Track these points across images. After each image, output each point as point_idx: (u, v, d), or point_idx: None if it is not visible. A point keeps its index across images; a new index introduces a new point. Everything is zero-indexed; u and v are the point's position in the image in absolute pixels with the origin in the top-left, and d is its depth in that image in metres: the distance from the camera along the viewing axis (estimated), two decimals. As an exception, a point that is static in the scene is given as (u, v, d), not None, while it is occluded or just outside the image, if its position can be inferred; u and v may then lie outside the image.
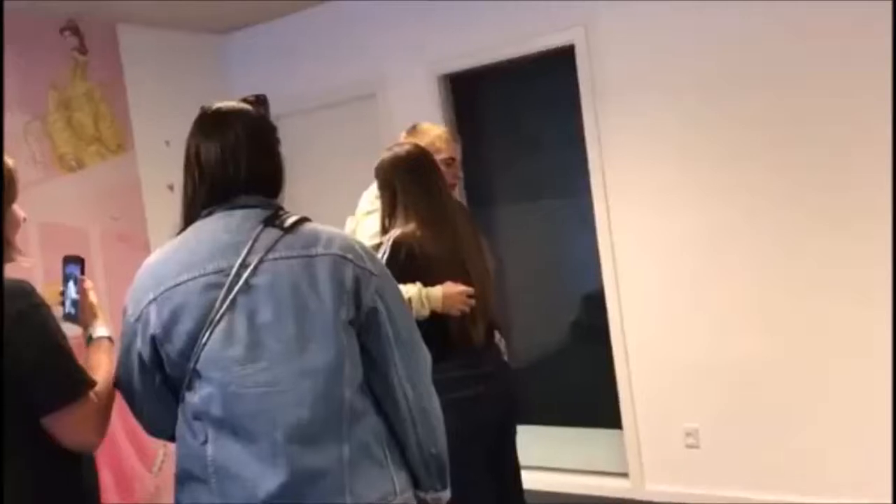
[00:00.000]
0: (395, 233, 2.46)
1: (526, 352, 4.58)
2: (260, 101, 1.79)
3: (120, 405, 1.66)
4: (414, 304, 2.39)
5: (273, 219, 1.62)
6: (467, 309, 2.47)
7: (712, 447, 3.70)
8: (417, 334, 1.72)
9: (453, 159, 2.80)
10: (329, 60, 4.55)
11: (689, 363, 3.72)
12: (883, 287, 3.25)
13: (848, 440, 3.37)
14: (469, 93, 4.37)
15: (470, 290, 2.47)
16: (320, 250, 1.60)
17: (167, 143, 4.48)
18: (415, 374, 1.69)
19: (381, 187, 2.57)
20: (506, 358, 2.71)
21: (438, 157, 2.68)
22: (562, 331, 4.88)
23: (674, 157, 3.67)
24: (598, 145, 3.82)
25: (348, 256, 1.62)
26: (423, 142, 2.70)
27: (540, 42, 3.90)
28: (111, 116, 4.27)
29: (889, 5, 3.11)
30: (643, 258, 3.80)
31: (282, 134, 5.35)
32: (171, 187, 4.48)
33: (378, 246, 2.49)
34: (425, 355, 1.74)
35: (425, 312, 2.41)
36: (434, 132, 2.82)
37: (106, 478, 4.00)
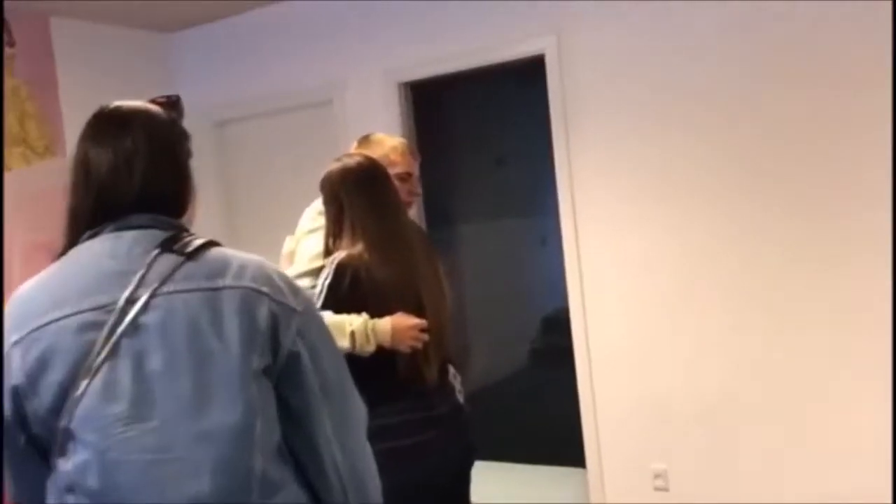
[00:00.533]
0: (339, 255, 2.18)
1: (483, 378, 4.35)
2: (171, 103, 1.49)
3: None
4: (358, 338, 2.11)
5: (172, 242, 1.31)
6: (419, 345, 2.18)
7: (682, 491, 3.44)
8: (349, 382, 1.41)
9: (409, 174, 2.51)
10: (283, 63, 4.25)
11: (659, 398, 3.47)
12: (864, 317, 3.05)
13: (828, 485, 3.13)
14: (431, 103, 4.11)
15: (423, 322, 2.19)
16: (228, 282, 1.29)
17: (102, 146, 4.14)
18: (346, 431, 1.38)
19: (327, 202, 2.28)
20: (461, 398, 2.42)
21: (393, 172, 2.39)
22: (523, 357, 4.68)
23: (648, 176, 3.43)
24: (567, 161, 3.56)
25: (263, 290, 1.31)
26: (376, 154, 2.41)
27: (508, 51, 3.64)
28: (39, 116, 3.91)
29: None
30: (612, 282, 3.55)
31: (230, 140, 5.01)
32: (105, 195, 4.14)
33: (320, 269, 2.20)
34: (359, 407, 1.44)
35: (370, 348, 2.13)
36: (389, 143, 2.53)
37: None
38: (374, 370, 2.14)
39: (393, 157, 2.47)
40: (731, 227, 3.28)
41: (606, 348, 3.59)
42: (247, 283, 1.30)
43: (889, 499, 2.95)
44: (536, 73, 3.61)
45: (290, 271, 2.26)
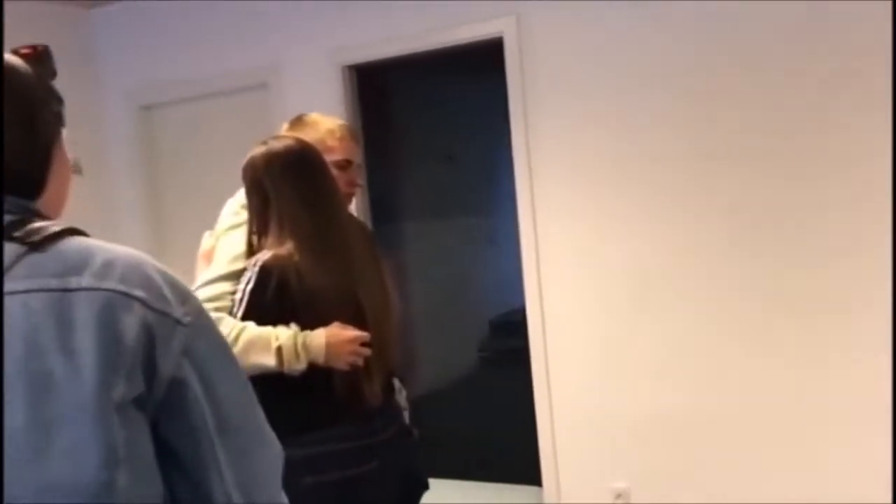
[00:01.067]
0: (264, 255, 1.84)
1: (429, 387, 4.07)
2: (37, 55, 1.14)
3: None
4: (286, 355, 1.79)
5: (16, 227, 0.97)
6: (360, 361, 1.87)
7: (645, 511, 3.20)
8: (257, 417, 1.08)
9: (349, 162, 2.16)
10: (214, 42, 3.89)
11: (623, 409, 3.23)
12: (843, 319, 2.87)
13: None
14: (378, 88, 3.80)
15: (363, 335, 1.88)
16: (86, 281, 0.93)
17: None
18: (252, 481, 1.03)
19: (249, 193, 1.94)
20: (407, 417, 2.12)
21: (330, 159, 2.05)
22: (472, 363, 4.43)
23: (613, 170, 3.18)
24: (526, 153, 3.29)
25: (135, 294, 0.94)
26: (310, 137, 2.06)
27: (463, 32, 3.35)
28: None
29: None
30: (572, 283, 3.30)
31: (157, 126, 4.51)
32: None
33: (241, 272, 1.86)
34: (271, 450, 1.10)
35: (301, 366, 1.81)
36: (325, 125, 2.16)
37: None
38: (304, 389, 1.85)
39: (330, 141, 2.11)
40: (701, 225, 3.06)
41: (565, 354, 3.33)
42: (112, 283, 0.93)
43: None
44: (493, 57, 3.33)
45: (206, 274, 1.91)
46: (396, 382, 2.11)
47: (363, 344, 1.87)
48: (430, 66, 3.66)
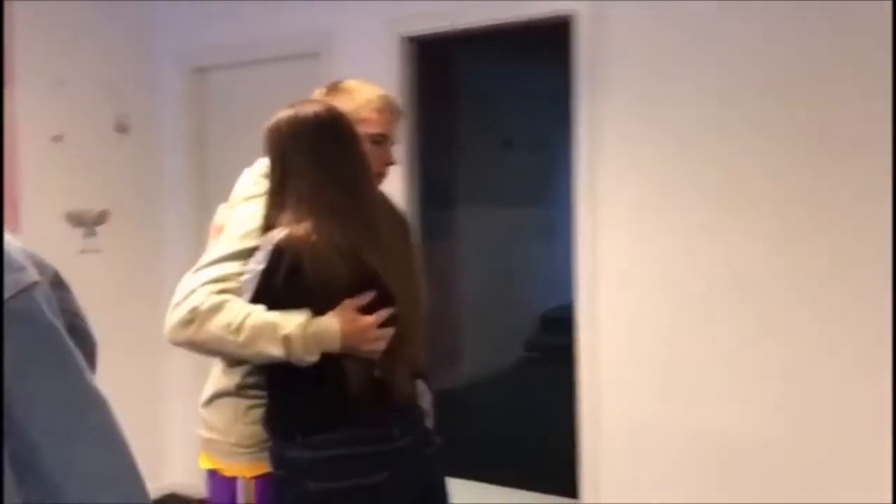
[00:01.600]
0: (279, 233, 1.64)
1: (469, 382, 3.89)
2: None
3: None
4: (293, 346, 1.60)
5: None
6: (379, 347, 1.68)
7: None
8: (106, 458, 0.82)
9: (385, 136, 1.91)
10: (270, 7, 3.72)
11: (675, 425, 2.99)
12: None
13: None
14: (436, 63, 3.58)
15: (382, 314, 1.68)
16: None
17: (59, 83, 3.64)
18: None
19: (271, 161, 1.74)
20: (430, 423, 1.91)
21: (365, 131, 1.83)
22: (517, 359, 4.25)
23: (686, 166, 2.93)
24: (589, 143, 3.05)
25: None
26: (345, 105, 1.83)
27: (531, 8, 3.12)
28: (-14, 42, 3.39)
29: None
30: (632, 283, 3.06)
31: (205, 90, 4.36)
32: (57, 139, 3.64)
33: (253, 250, 1.66)
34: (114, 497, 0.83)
35: (312, 357, 1.62)
36: (364, 94, 1.91)
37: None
38: (315, 384, 1.67)
39: (366, 112, 1.87)
40: (779, 230, 2.79)
41: (618, 360, 3.10)
42: None
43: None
44: (561, 38, 3.10)
45: (214, 251, 1.72)
46: (421, 384, 1.91)
47: (385, 324, 1.68)
48: (493, 43, 3.45)
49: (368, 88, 1.94)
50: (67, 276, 4.08)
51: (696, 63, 2.88)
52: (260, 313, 1.61)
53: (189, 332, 1.62)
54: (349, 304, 1.65)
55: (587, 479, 3.13)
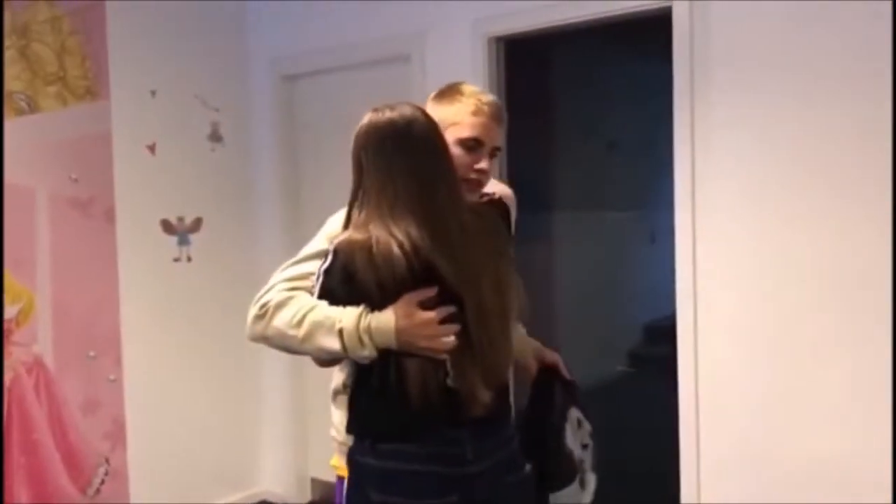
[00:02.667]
0: (343, 235, 1.62)
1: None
2: None
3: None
4: (347, 340, 1.56)
5: None
6: (440, 346, 1.58)
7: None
8: None
9: (478, 142, 1.81)
10: (359, 12, 3.66)
11: (785, 450, 2.74)
12: None
13: None
14: (528, 63, 3.43)
15: (445, 311, 1.59)
16: None
17: (153, 93, 3.67)
18: None
19: (352, 164, 1.71)
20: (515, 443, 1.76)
21: (456, 136, 1.77)
22: (616, 371, 4.06)
23: (789, 175, 2.69)
24: (690, 145, 2.85)
25: None
26: (447, 109, 1.80)
27: (626, 3, 2.93)
28: (82, 54, 3.44)
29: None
30: (734, 293, 2.84)
31: (295, 98, 4.34)
32: (151, 148, 3.68)
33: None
34: None
35: (366, 352, 1.57)
36: (463, 98, 1.84)
37: (21, 496, 3.22)
38: (386, 388, 1.59)
39: (461, 116, 1.81)
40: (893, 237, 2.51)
41: (719, 374, 2.88)
42: None
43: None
44: (661, 33, 2.90)
45: (301, 252, 1.75)
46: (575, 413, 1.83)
47: (446, 320, 1.58)
48: (588, 40, 3.27)
49: (471, 93, 1.86)
50: (162, 283, 4.16)
51: (804, 65, 2.62)
52: (322, 308, 1.60)
53: (259, 328, 1.64)
54: (409, 298, 1.57)
55: (688, 496, 2.92)
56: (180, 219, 3.79)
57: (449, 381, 1.59)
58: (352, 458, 1.66)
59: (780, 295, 2.73)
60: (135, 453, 3.61)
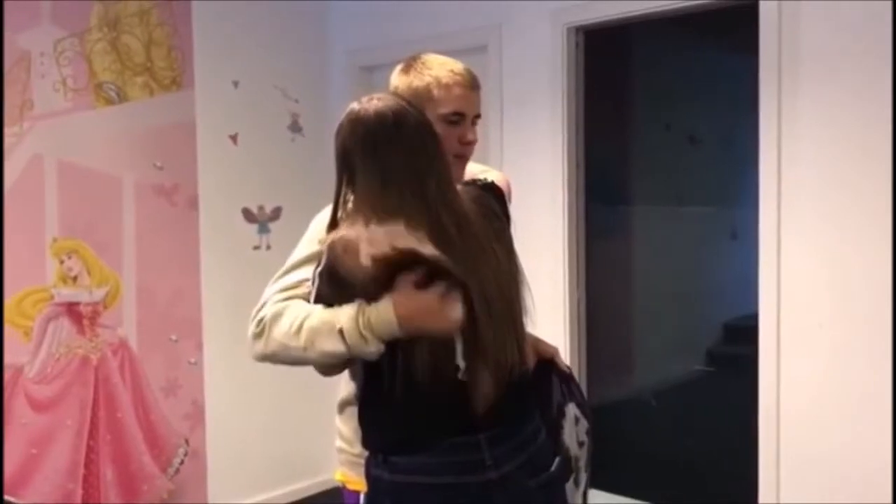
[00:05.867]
0: (333, 235, 1.52)
1: (637, 392, 3.68)
2: None
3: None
4: (349, 339, 1.46)
5: None
6: (453, 320, 1.48)
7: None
8: None
9: (460, 115, 1.72)
10: (433, 2, 3.66)
11: (862, 455, 2.65)
12: None
13: None
14: (608, 54, 3.38)
15: (442, 286, 1.48)
16: None
17: (235, 84, 3.75)
18: None
19: (335, 158, 1.59)
20: (572, 444, 1.67)
21: (436, 113, 1.68)
22: (693, 370, 3.98)
23: (880, 174, 2.57)
24: (776, 140, 2.76)
25: None
26: (415, 86, 1.71)
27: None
28: (169, 45, 3.54)
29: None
30: (820, 293, 2.75)
31: (371, 89, 4.38)
32: (233, 138, 3.75)
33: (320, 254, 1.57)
34: None
35: (372, 348, 1.47)
36: (433, 72, 1.73)
37: (107, 473, 3.33)
38: (386, 395, 1.51)
39: (436, 91, 1.70)
40: None
41: (803, 377, 2.79)
42: None
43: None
44: (746, 23, 2.81)
45: (291, 257, 1.66)
46: (573, 410, 1.68)
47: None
48: (668, 31, 3.20)
49: (440, 65, 1.74)
50: (242, 270, 4.22)
51: (890, 49, 2.52)
52: (318, 313, 1.50)
53: (260, 346, 1.55)
54: (404, 281, 1.47)
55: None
56: (261, 208, 3.86)
57: (460, 376, 1.50)
58: (367, 472, 1.58)
59: (868, 296, 2.63)
60: (213, 435, 3.70)
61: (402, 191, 1.50)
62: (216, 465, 3.71)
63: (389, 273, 1.46)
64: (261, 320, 1.55)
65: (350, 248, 1.46)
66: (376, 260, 1.45)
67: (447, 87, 1.71)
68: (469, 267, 1.50)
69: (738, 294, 3.35)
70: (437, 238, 1.48)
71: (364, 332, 1.45)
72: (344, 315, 1.47)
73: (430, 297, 1.47)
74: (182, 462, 3.61)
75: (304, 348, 1.49)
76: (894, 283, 2.56)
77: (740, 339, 3.45)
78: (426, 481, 1.48)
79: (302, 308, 1.52)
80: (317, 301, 1.52)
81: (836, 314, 2.70)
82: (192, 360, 3.63)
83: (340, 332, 1.46)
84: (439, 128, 1.64)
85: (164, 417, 3.55)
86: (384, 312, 1.45)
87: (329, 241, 1.50)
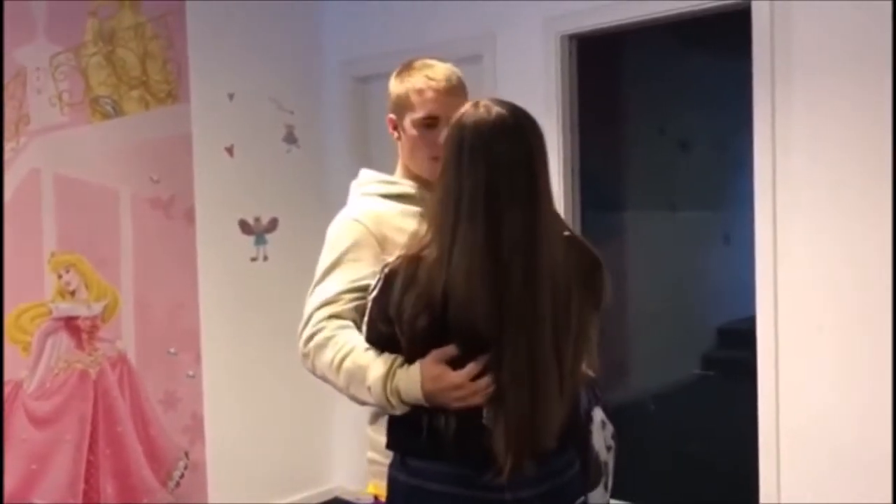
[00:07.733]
0: (398, 257, 1.48)
1: (632, 401, 3.69)
2: None
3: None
4: (375, 399, 1.48)
5: None
6: (474, 402, 1.42)
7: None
8: None
9: (435, 119, 1.71)
10: (429, 13, 3.69)
11: (864, 455, 2.66)
12: None
13: None
14: (600, 62, 3.41)
15: (474, 368, 1.41)
16: None
17: (230, 96, 3.76)
18: None
19: (444, 161, 1.49)
20: (604, 475, 1.64)
21: (412, 117, 1.72)
22: (689, 376, 3.99)
23: (875, 177, 2.61)
24: (770, 143, 2.79)
25: None
26: (397, 91, 1.76)
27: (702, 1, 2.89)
28: (164, 58, 3.55)
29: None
30: (818, 296, 2.77)
31: (368, 100, 4.39)
32: (229, 150, 3.77)
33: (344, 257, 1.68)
34: None
35: (396, 411, 1.49)
36: (411, 80, 1.74)
37: (107, 487, 3.33)
38: (411, 429, 1.51)
39: (413, 97, 1.72)
40: None
41: (802, 381, 2.81)
42: None
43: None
44: (739, 28, 2.84)
45: (318, 271, 1.73)
46: (599, 414, 1.66)
47: (481, 374, 1.41)
48: (660, 37, 3.23)
49: (418, 70, 1.75)
50: (239, 282, 4.22)
51: (886, 51, 2.55)
52: (355, 355, 1.52)
53: (309, 367, 1.62)
54: (435, 357, 1.43)
55: (766, 510, 2.86)
56: (257, 219, 3.87)
57: (484, 421, 1.44)
58: (389, 474, 1.57)
59: (867, 297, 2.65)
60: (212, 448, 3.70)
61: (486, 214, 1.42)
62: (216, 477, 3.71)
63: (425, 346, 1.44)
64: (307, 340, 1.60)
65: (405, 282, 1.43)
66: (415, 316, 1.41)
67: (420, 91, 1.73)
68: (518, 322, 1.41)
69: (731, 298, 3.37)
70: (492, 283, 1.40)
71: (391, 397, 1.46)
72: (374, 373, 1.47)
73: (460, 381, 1.41)
74: (182, 475, 3.60)
75: (343, 388, 1.55)
76: (894, 284, 2.59)
77: (735, 342, 3.47)
78: (437, 489, 1.47)
79: (343, 342, 1.55)
80: (368, 328, 1.53)
81: (835, 317, 2.72)
82: (191, 373, 3.63)
83: (369, 389, 1.48)
84: (417, 132, 1.71)
85: (164, 431, 3.54)
86: (412, 384, 1.44)
87: (391, 266, 1.48)
